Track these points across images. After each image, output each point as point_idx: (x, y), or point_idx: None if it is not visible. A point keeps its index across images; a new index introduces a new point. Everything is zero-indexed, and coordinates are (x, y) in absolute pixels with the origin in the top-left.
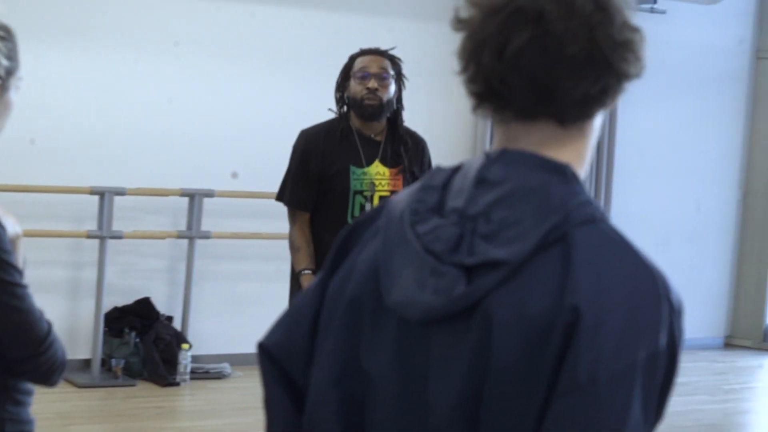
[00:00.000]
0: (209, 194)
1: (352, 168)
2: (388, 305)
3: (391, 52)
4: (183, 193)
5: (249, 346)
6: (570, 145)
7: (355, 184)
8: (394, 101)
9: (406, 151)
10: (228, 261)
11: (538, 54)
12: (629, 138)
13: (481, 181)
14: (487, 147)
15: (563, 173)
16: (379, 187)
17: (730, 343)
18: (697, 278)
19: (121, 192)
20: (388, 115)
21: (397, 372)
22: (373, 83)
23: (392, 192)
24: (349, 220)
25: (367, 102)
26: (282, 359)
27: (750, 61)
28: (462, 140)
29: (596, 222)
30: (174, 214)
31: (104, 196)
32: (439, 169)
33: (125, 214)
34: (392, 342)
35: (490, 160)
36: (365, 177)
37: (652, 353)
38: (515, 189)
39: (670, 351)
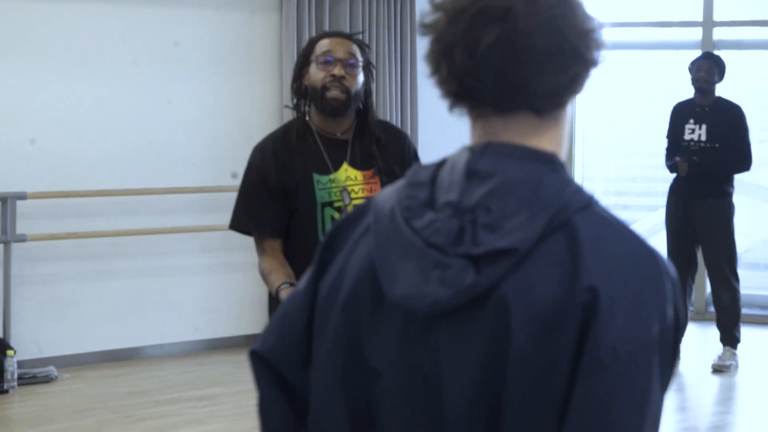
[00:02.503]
0: (21, 197)
1: (316, 177)
2: (391, 300)
3: (358, 37)
4: None
5: (73, 347)
6: (548, 134)
7: (321, 195)
8: (362, 93)
9: (379, 149)
10: (46, 263)
11: (508, 50)
12: (430, 114)
13: (472, 174)
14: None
15: (552, 162)
16: (353, 195)
17: None
18: None
19: None
20: (357, 107)
21: (405, 366)
22: (339, 69)
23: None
24: (321, 237)
25: (330, 93)
26: (277, 364)
27: None
28: (268, 126)
29: (591, 207)
30: None
31: None
32: (421, 166)
33: None
34: (398, 337)
35: (477, 153)
36: (333, 185)
37: (663, 327)
38: (509, 180)
39: (675, 324)
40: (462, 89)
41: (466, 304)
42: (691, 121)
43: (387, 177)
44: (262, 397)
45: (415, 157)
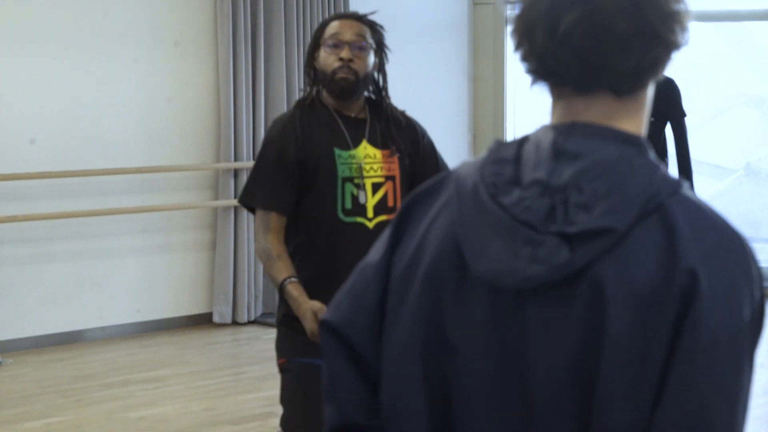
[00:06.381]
0: None
1: (337, 151)
2: (477, 276)
3: (371, 17)
4: None
5: (13, 331)
6: (628, 116)
7: (342, 170)
8: (375, 75)
9: (398, 130)
10: None
11: (588, 31)
12: None
13: (560, 153)
14: (230, 111)
15: (639, 145)
16: (371, 173)
17: None
18: None
19: None
20: (366, 93)
21: (490, 344)
22: (347, 53)
23: (387, 177)
24: (340, 213)
25: (339, 75)
26: (349, 335)
27: (468, 7)
28: (204, 105)
29: (680, 191)
30: None
31: None
32: (501, 143)
33: None
34: (482, 313)
35: (563, 132)
36: (353, 161)
37: (753, 310)
38: (599, 161)
39: (761, 308)
40: (542, 67)
41: (558, 283)
42: None
43: (406, 158)
44: (332, 368)
45: (431, 147)
